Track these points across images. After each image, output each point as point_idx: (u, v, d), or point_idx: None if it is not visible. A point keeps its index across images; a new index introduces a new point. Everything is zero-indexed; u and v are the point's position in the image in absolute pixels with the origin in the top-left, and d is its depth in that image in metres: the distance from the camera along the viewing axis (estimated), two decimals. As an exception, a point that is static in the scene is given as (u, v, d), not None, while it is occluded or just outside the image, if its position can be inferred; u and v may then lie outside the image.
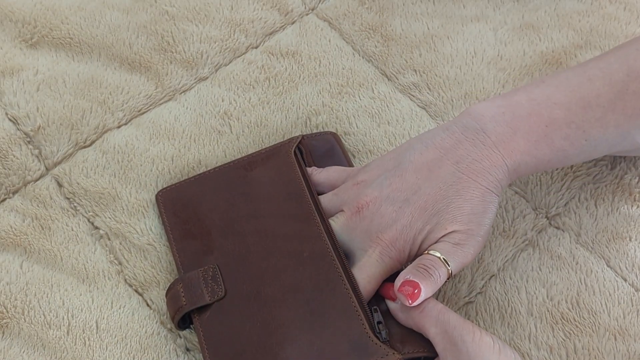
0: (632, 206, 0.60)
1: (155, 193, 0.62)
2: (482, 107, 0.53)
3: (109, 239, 0.60)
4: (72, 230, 0.60)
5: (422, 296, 0.48)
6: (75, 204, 0.62)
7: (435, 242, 0.51)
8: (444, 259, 0.50)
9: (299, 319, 0.50)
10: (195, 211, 0.59)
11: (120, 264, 0.59)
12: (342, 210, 0.54)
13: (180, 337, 0.56)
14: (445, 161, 0.52)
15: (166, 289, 0.55)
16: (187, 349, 0.55)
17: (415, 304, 0.48)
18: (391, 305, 0.51)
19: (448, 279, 0.50)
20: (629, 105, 0.52)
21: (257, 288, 0.52)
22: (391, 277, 0.52)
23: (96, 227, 0.61)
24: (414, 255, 0.52)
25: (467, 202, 0.51)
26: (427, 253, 0.50)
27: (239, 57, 0.70)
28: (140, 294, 0.58)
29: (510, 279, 0.57)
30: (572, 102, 0.52)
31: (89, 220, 0.61)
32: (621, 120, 0.52)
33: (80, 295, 0.57)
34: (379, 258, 0.51)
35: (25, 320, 0.56)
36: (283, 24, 0.72)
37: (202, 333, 0.52)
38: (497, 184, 0.52)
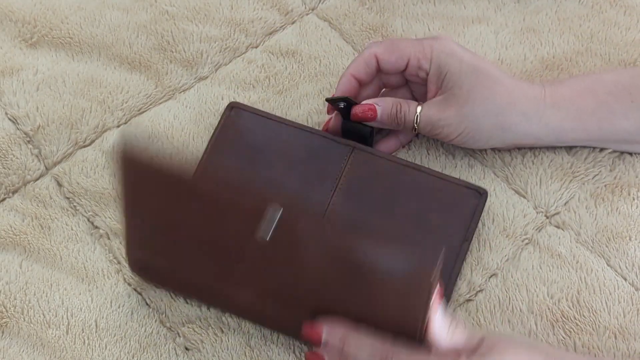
0: (631, 206, 0.60)
1: None
2: None
3: (109, 238, 0.60)
4: (72, 229, 0.60)
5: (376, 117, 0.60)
6: (74, 204, 0.62)
7: None
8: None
9: None
10: None
11: (119, 263, 0.59)
12: None
13: (180, 336, 0.55)
14: None
15: None
16: (187, 348, 0.55)
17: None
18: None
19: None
20: None
21: None
22: None
23: (96, 227, 0.61)
24: None
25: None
26: None
27: (239, 56, 0.70)
28: (139, 293, 0.57)
29: (512, 277, 0.57)
30: (620, 73, 0.61)
31: (88, 219, 0.61)
32: None
33: (80, 294, 0.57)
34: None
35: (24, 320, 0.56)
36: (283, 24, 0.72)
37: None
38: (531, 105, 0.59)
